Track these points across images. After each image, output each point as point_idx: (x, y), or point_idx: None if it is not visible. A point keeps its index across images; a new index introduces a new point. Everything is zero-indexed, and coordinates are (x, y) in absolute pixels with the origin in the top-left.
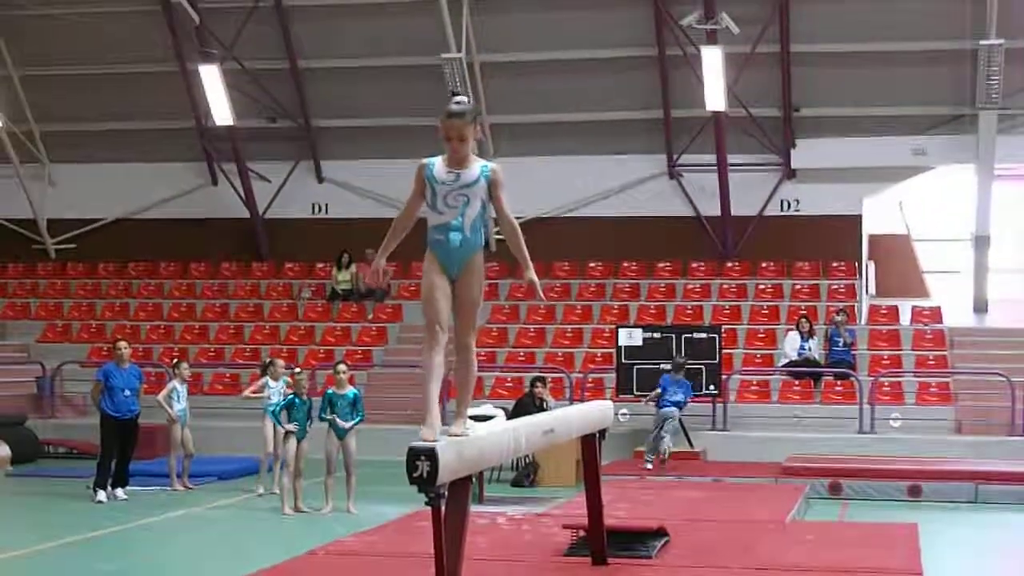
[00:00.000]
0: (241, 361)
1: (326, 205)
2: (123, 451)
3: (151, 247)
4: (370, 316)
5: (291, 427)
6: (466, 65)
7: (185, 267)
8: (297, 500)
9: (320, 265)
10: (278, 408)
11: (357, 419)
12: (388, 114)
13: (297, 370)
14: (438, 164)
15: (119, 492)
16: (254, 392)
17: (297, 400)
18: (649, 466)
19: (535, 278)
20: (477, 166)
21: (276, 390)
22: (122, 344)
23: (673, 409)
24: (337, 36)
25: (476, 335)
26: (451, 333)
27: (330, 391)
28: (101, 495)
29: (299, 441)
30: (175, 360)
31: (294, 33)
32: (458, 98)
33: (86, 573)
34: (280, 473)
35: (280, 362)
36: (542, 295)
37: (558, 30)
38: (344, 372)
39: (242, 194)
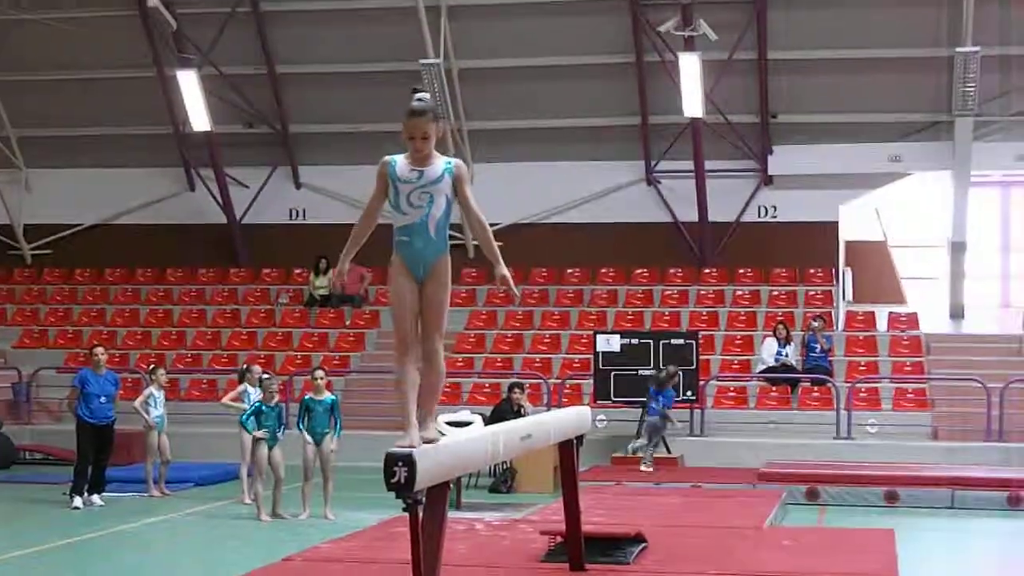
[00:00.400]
0: (218, 367)
1: (303, 210)
2: (99, 457)
3: (128, 253)
4: (348, 322)
5: (260, 434)
6: (444, 71)
7: (162, 273)
8: (276, 506)
9: (298, 271)
10: (246, 416)
11: (337, 432)
12: (366, 120)
13: (266, 375)
14: (400, 162)
15: (95, 498)
16: (233, 399)
17: (264, 407)
18: (650, 469)
19: (507, 272)
20: (440, 163)
21: (255, 396)
22: (99, 350)
23: (656, 418)
24: (315, 41)
25: (443, 338)
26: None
27: (308, 397)
28: (77, 501)
29: (270, 448)
30: (152, 366)
31: (271, 38)
32: (419, 95)
33: None
34: (253, 480)
35: (257, 368)
36: (515, 290)
37: (536, 36)
38: (322, 378)
39: (219, 199)
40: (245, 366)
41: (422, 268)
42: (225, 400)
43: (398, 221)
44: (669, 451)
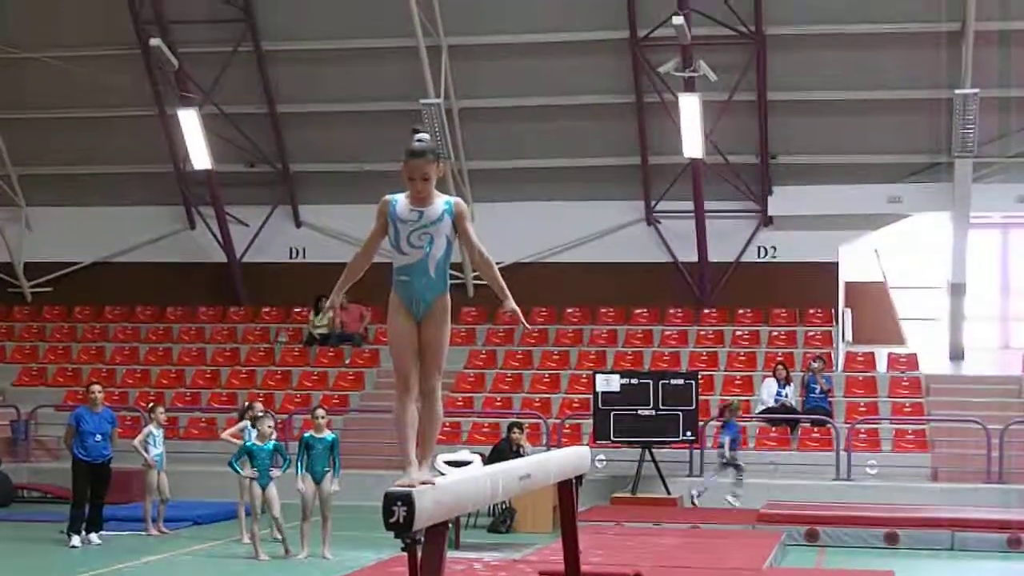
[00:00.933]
0: (217, 406)
1: (304, 249)
2: (96, 495)
3: (128, 291)
4: (347, 361)
5: (250, 473)
6: (445, 111)
7: (162, 311)
8: (285, 543)
9: (297, 310)
10: (235, 457)
11: (336, 471)
12: (366, 159)
13: (260, 414)
14: (401, 201)
15: (93, 537)
16: (233, 435)
17: (253, 447)
18: (737, 504)
19: (515, 307)
20: (440, 202)
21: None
22: (95, 388)
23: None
24: (316, 81)
25: (442, 378)
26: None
27: (308, 434)
28: (75, 540)
29: (263, 487)
30: (151, 404)
31: (273, 78)
32: (419, 135)
33: None
34: (248, 520)
35: (258, 405)
36: (526, 323)
37: (537, 76)
38: (323, 416)
39: (220, 238)
40: (247, 403)
41: (421, 308)
42: (225, 435)
43: (398, 261)
44: (668, 491)
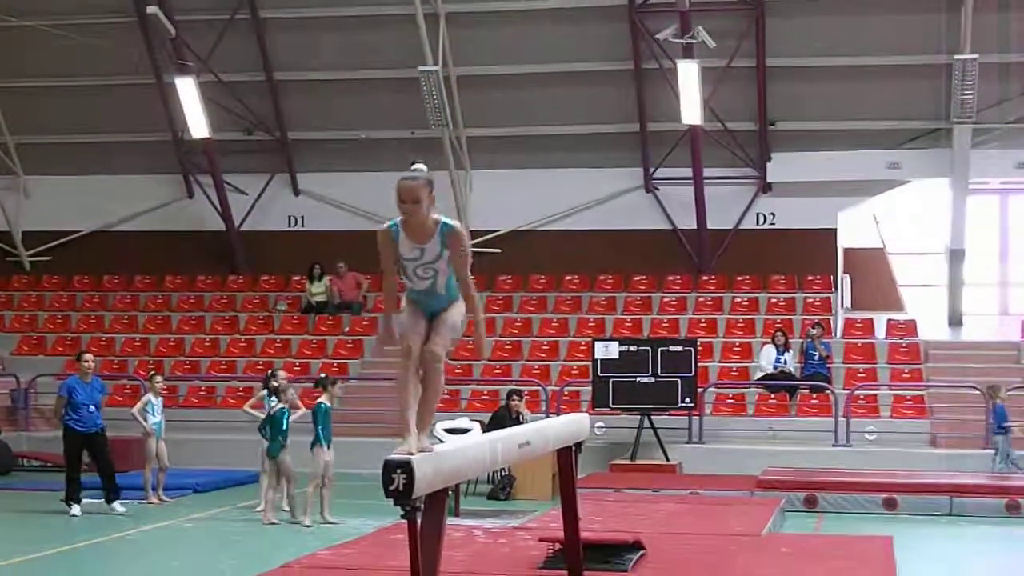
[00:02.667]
0: (217, 374)
1: (302, 217)
2: (103, 465)
3: (126, 260)
4: (346, 329)
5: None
6: (443, 78)
7: (161, 280)
8: (294, 511)
9: (296, 278)
10: (262, 424)
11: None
12: (364, 127)
13: (284, 382)
14: (401, 236)
15: (117, 506)
16: (253, 406)
17: (278, 413)
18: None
19: (484, 348)
20: (436, 237)
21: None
22: (87, 357)
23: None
24: (314, 48)
25: (447, 349)
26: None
27: (323, 403)
28: (75, 509)
29: (275, 456)
30: (150, 373)
31: (270, 45)
32: (416, 166)
33: None
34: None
35: (282, 373)
36: (486, 354)
37: (534, 44)
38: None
39: (218, 207)
40: (270, 371)
41: (434, 312)
42: (246, 407)
43: (408, 284)
44: (667, 458)
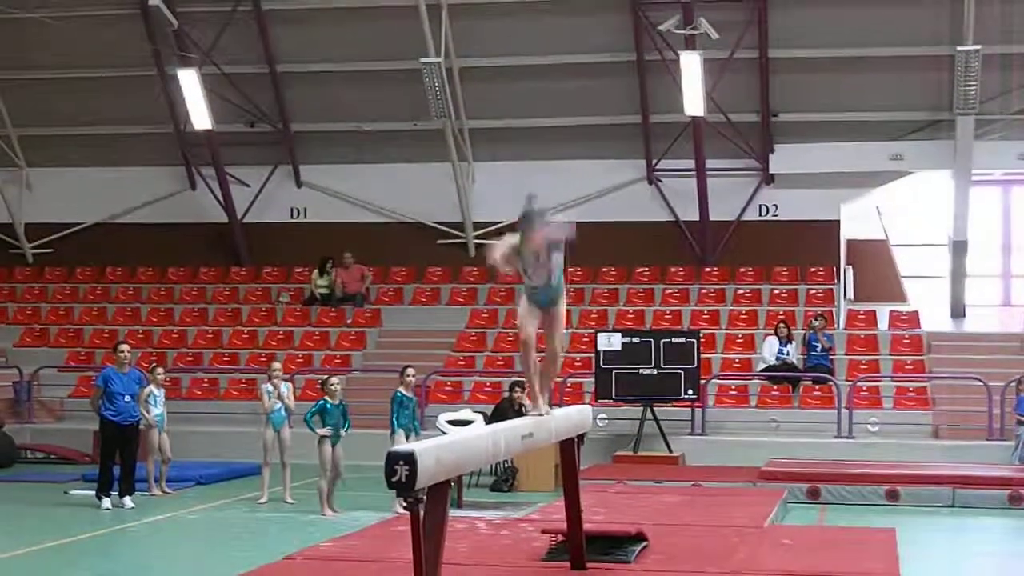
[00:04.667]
0: (219, 366)
1: (305, 209)
2: (125, 458)
3: (129, 252)
4: (349, 321)
5: (324, 431)
6: (445, 70)
7: (163, 272)
8: (331, 501)
9: (299, 269)
10: (310, 414)
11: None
12: (367, 118)
13: (334, 380)
14: (523, 248)
15: (127, 501)
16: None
17: (329, 405)
18: None
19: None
20: (546, 249)
21: (269, 393)
22: (124, 347)
23: None
24: (316, 40)
25: (562, 343)
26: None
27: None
28: (106, 503)
29: (333, 446)
30: (152, 365)
31: (273, 37)
32: (533, 202)
33: None
34: (319, 477)
35: (276, 365)
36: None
37: (537, 35)
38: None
39: (220, 199)
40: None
41: (545, 304)
42: (266, 405)
43: (527, 282)
44: (670, 449)
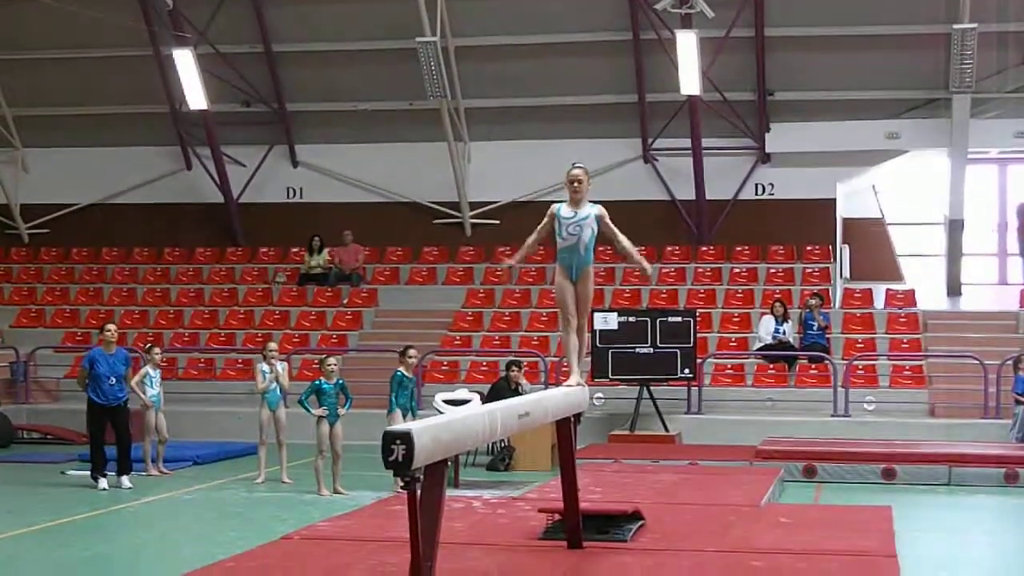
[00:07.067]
0: (216, 346)
1: (301, 189)
2: (121, 438)
3: (125, 232)
4: (345, 300)
5: (320, 412)
6: (440, 49)
7: (159, 252)
8: (336, 482)
9: (295, 249)
10: (305, 395)
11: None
12: (363, 98)
13: (332, 360)
14: (564, 207)
15: (124, 480)
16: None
17: (325, 385)
18: None
19: (648, 267)
20: (588, 207)
21: (282, 370)
22: (110, 327)
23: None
24: (311, 20)
25: (587, 317)
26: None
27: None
28: (103, 483)
29: (331, 425)
30: (148, 345)
31: (268, 17)
32: (579, 164)
33: (60, 559)
34: (315, 457)
35: (272, 345)
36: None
37: (532, 14)
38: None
39: (216, 179)
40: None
41: (575, 273)
42: (260, 387)
43: (560, 244)
44: (666, 428)
